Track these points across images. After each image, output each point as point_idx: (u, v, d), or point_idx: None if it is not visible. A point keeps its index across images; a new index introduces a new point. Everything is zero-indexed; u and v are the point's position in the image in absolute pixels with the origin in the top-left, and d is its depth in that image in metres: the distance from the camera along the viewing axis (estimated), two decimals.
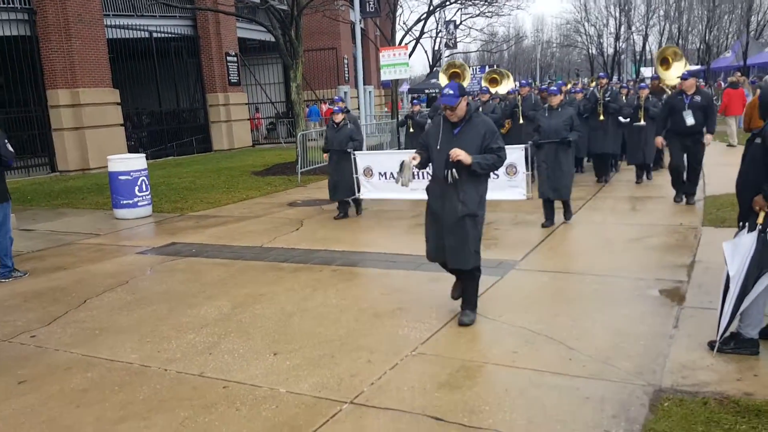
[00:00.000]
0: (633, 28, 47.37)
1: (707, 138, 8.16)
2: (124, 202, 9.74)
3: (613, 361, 3.91)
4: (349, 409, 3.52)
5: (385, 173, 8.89)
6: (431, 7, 30.08)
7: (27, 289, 6.31)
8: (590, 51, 51.86)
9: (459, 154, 4.29)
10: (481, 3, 31.54)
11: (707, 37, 42.36)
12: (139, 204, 9.82)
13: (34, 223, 9.50)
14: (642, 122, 10.35)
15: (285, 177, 13.60)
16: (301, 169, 13.26)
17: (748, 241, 3.81)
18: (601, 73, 11.86)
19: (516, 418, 3.31)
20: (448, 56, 34.58)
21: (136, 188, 9.70)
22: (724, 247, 3.98)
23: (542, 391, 3.61)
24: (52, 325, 5.19)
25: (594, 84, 19.47)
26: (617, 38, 47.84)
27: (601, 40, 50.28)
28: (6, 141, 6.52)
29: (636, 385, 3.58)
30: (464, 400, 3.54)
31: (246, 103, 23.90)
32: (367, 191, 9.12)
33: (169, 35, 20.60)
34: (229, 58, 22.27)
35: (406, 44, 27.99)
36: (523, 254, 6.52)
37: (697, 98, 8.08)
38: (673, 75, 12.51)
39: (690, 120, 8.02)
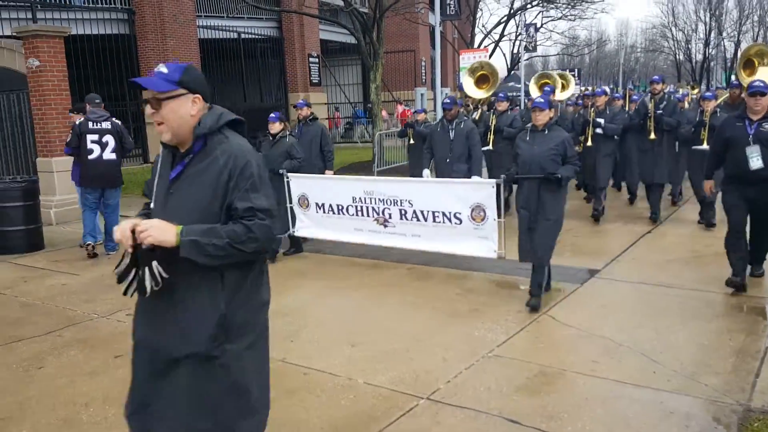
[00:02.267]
0: (724, 34, 45.11)
1: None
2: None
3: (700, 376, 3.78)
4: (426, 405, 3.58)
5: (323, 205, 6.82)
6: (512, 10, 29.73)
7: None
8: (677, 57, 49.69)
9: (151, 229, 2.03)
10: (564, 6, 30.88)
11: None
12: None
13: (130, 210, 10.02)
14: (705, 146, 7.28)
15: (362, 175, 13.79)
16: (377, 168, 13.42)
17: None
18: (656, 77, 8.65)
19: (596, 428, 3.27)
20: (527, 60, 34.06)
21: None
22: None
23: (624, 402, 3.54)
24: None
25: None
26: (707, 44, 45.66)
27: (690, 46, 48.12)
28: (127, 132, 7.42)
29: (723, 404, 3.45)
30: (542, 405, 3.52)
31: (325, 103, 24.40)
32: (303, 226, 7.04)
33: (256, 36, 21.30)
34: (311, 59, 22.81)
35: (486, 47, 27.81)
36: (604, 263, 6.37)
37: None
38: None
39: (756, 162, 5.03)
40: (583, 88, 23.04)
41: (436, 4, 18.31)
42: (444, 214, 5.89)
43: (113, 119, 7.30)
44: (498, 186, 5.60)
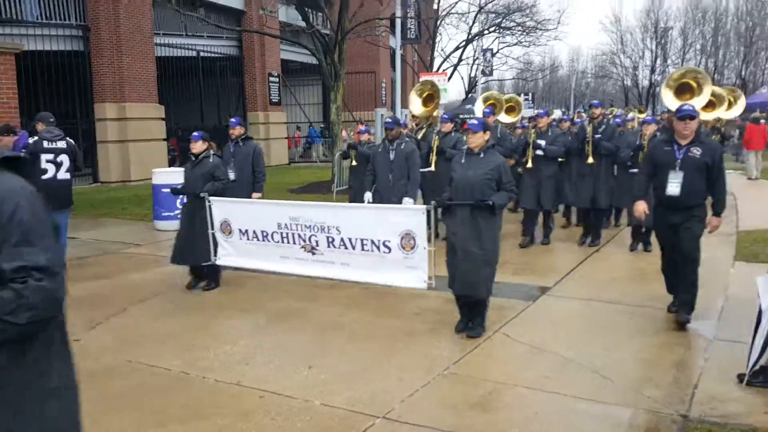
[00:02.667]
0: (669, 61, 47.11)
1: (712, 224, 5.11)
2: (165, 214, 10.04)
3: (644, 389, 3.95)
4: (382, 424, 3.61)
5: (248, 231, 6.33)
6: (470, 36, 30.46)
7: (69, 294, 6.53)
8: (625, 82, 51.60)
9: None
10: (519, 33, 31.86)
11: (743, 73, 42.05)
12: (180, 217, 10.09)
13: (77, 231, 9.84)
14: None
15: (321, 195, 13.79)
16: (336, 188, 13.47)
17: None
18: (594, 102, 8.82)
19: None
20: (483, 83, 34.86)
21: (178, 201, 9.99)
22: (757, 281, 4.04)
23: (572, 416, 3.66)
24: (94, 331, 5.40)
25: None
26: (653, 71, 47.59)
27: (637, 72, 50.05)
28: (79, 151, 7.37)
29: (665, 414, 3.63)
30: (495, 421, 3.62)
31: (285, 123, 24.42)
32: (226, 254, 6.55)
33: (216, 55, 21.24)
34: (271, 79, 22.85)
35: (444, 71, 28.37)
36: (555, 281, 6.56)
37: (696, 152, 4.96)
38: (700, 103, 8.10)
39: (673, 188, 4.99)
40: (536, 111, 23.68)
41: (397, 29, 18.64)
42: (373, 242, 5.53)
43: (68, 138, 7.21)
44: (428, 213, 5.27)
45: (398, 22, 18.78)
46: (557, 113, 22.43)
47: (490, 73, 36.15)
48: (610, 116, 10.66)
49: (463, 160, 5.03)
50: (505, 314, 5.48)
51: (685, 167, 4.96)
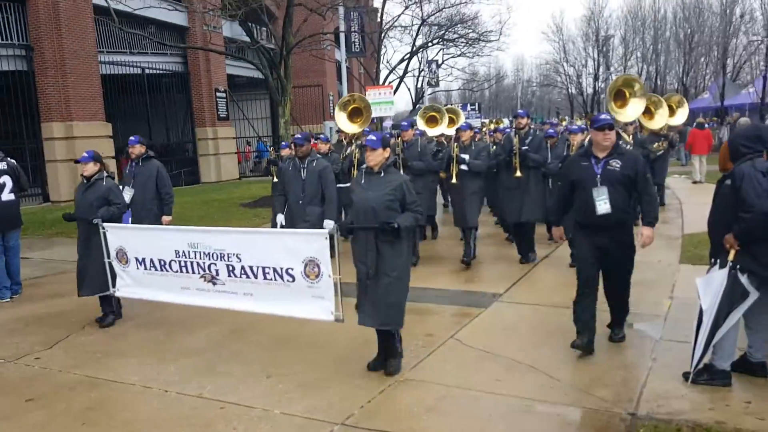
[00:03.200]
0: (611, 69, 48.48)
1: (644, 234, 4.75)
2: None
3: (593, 389, 4.11)
4: (340, 430, 3.73)
5: (144, 260, 5.75)
6: (414, 48, 30.93)
7: (27, 313, 6.50)
8: (569, 90, 52.86)
9: None
10: (462, 44, 32.48)
11: (684, 79, 43.48)
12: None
13: (30, 251, 9.62)
14: None
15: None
16: None
17: (719, 277, 4.02)
18: (520, 111, 8.35)
19: None
20: (430, 94, 35.45)
21: (130, 219, 9.85)
22: (697, 282, 4.19)
23: (523, 416, 3.82)
24: (55, 348, 5.41)
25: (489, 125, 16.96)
26: (596, 78, 48.85)
27: (581, 80, 51.26)
28: (22, 171, 7.23)
29: (614, 413, 3.78)
30: (450, 424, 3.76)
31: (234, 137, 24.28)
32: (124, 285, 5.94)
33: (161, 71, 21.00)
34: (218, 94, 22.72)
35: (390, 83, 28.72)
36: (506, 287, 6.78)
37: (616, 164, 4.63)
38: (630, 114, 8.60)
39: (603, 206, 4.62)
40: (486, 121, 24.24)
41: (342, 42, 18.89)
42: (275, 270, 5.03)
43: (8, 159, 7.13)
44: (331, 237, 4.71)
45: (342, 35, 19.00)
46: (506, 122, 22.97)
47: (437, 84, 36.78)
48: (547, 126, 10.80)
49: (362, 181, 4.62)
50: (458, 321, 5.66)
51: (606, 182, 4.62)
